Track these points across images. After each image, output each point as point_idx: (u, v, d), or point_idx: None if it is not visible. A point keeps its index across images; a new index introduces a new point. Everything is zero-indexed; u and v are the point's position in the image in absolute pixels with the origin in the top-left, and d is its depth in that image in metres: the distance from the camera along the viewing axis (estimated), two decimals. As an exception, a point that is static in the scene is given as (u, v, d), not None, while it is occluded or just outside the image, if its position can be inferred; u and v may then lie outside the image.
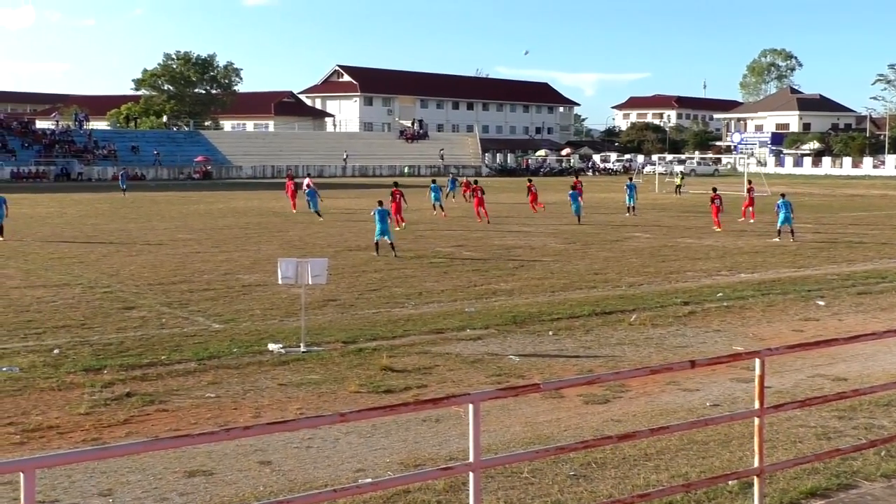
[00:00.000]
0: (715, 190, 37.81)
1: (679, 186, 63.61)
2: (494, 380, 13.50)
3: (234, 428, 5.50)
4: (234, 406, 12.22)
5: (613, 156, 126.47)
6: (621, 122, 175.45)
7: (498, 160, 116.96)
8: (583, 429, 11.17)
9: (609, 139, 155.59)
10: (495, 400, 10.20)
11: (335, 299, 20.07)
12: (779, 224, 32.47)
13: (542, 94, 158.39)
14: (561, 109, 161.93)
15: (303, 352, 15.03)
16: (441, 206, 44.16)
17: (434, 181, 48.23)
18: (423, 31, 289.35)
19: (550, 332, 16.81)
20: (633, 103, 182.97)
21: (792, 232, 32.30)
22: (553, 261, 26.87)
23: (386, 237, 27.71)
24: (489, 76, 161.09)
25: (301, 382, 13.34)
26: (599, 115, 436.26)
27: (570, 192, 40.62)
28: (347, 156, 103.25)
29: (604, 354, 15.19)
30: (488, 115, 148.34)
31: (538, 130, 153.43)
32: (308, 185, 46.45)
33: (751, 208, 40.38)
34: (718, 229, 35.78)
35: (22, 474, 4.81)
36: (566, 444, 7.50)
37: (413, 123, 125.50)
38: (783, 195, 33.68)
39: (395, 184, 38.86)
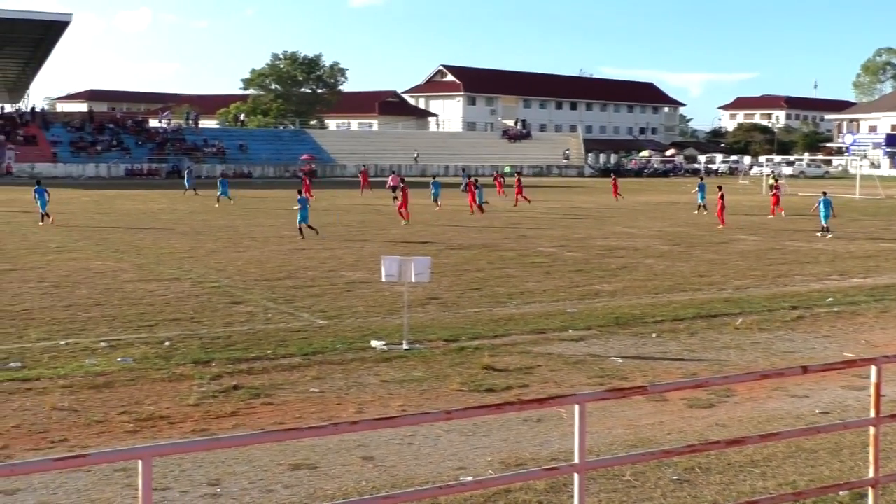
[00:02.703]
0: (720, 188, 40.47)
1: (772, 186, 62.17)
2: (596, 381, 13.39)
3: (342, 423, 5.59)
4: (337, 401, 12.38)
5: (719, 157, 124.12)
6: (728, 122, 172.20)
7: (601, 160, 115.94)
8: (686, 433, 11.01)
9: (715, 140, 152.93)
10: (598, 401, 10.14)
11: (437, 297, 20.17)
12: (823, 221, 35.23)
13: (646, 94, 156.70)
14: (666, 109, 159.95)
15: (405, 349, 15.15)
16: (437, 201, 47.06)
17: (434, 178, 52.82)
18: (526, 30, 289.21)
19: (654, 335, 16.60)
20: (741, 103, 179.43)
21: (827, 229, 34.89)
22: (657, 262, 26.54)
23: (305, 222, 32.20)
24: (593, 76, 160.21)
25: (403, 379, 13.45)
26: (705, 115, 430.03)
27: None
28: (418, 154, 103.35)
29: (708, 358, 14.93)
30: (592, 115, 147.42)
31: (642, 131, 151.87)
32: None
33: (777, 205, 44.07)
34: (722, 226, 37.62)
35: (140, 462, 4.97)
36: (672, 447, 7.40)
37: (516, 123, 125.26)
38: (824, 193, 36.73)
39: (402, 179, 44.42)
